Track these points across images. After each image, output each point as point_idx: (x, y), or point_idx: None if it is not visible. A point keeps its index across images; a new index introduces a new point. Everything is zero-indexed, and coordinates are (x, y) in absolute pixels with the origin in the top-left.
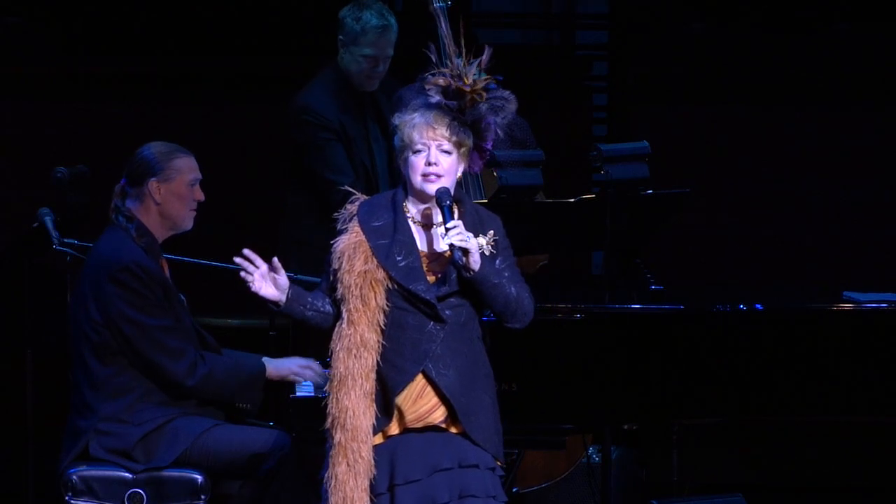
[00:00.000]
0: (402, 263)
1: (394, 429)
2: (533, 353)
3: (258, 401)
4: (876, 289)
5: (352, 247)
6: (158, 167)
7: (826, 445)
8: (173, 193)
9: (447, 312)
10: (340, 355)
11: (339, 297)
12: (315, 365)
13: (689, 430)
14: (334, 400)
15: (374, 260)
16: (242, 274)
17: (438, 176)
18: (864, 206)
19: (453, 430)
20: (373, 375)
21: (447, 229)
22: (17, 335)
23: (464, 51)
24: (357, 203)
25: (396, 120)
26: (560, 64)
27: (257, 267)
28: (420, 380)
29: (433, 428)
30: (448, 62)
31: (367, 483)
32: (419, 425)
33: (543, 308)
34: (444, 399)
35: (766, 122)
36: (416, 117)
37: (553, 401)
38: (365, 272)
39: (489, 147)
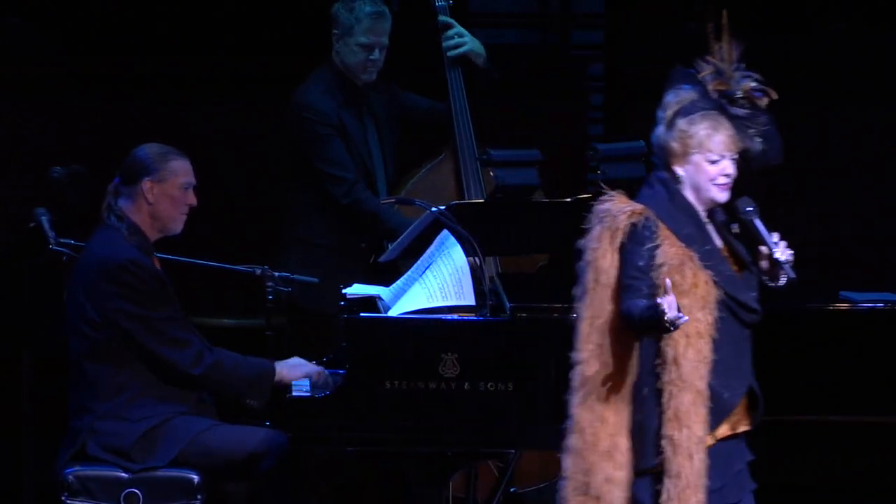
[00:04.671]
0: (726, 273)
1: (707, 440)
2: (529, 352)
3: (265, 398)
4: (871, 288)
5: (680, 258)
6: (153, 167)
7: (809, 445)
8: (166, 194)
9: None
10: (685, 369)
11: None
12: (324, 374)
13: None
14: (675, 428)
15: (705, 270)
16: (663, 309)
17: (728, 185)
18: (859, 205)
19: (747, 427)
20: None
21: (772, 244)
22: (14, 335)
23: (731, 55)
24: (643, 207)
25: (682, 124)
26: (556, 64)
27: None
28: None
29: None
30: (723, 66)
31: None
32: (731, 432)
33: (541, 308)
34: (750, 401)
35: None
36: (718, 127)
37: (550, 400)
38: (705, 283)
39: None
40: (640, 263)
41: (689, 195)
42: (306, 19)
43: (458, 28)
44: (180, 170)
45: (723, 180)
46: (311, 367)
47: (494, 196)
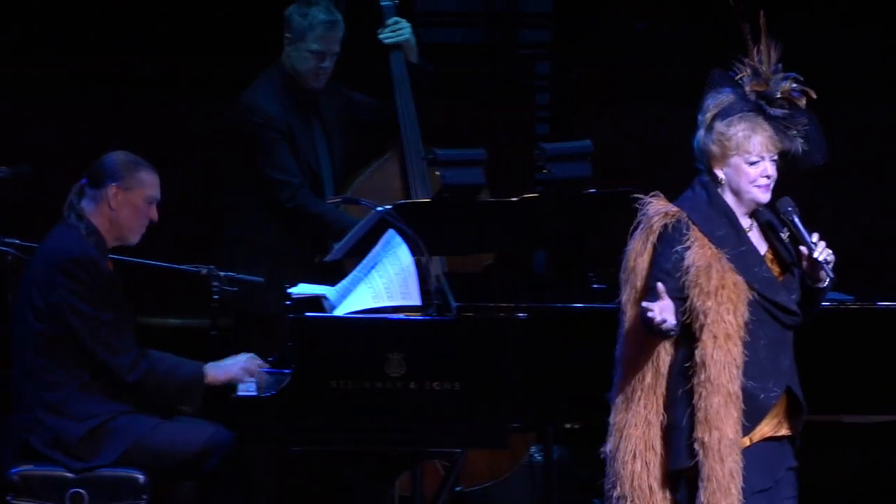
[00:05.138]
0: (760, 275)
1: (745, 441)
2: (476, 351)
3: (198, 404)
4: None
5: (707, 260)
6: (121, 174)
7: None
8: (130, 203)
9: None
10: (711, 371)
11: (698, 312)
12: (256, 362)
13: None
14: (705, 430)
15: (736, 272)
16: (649, 315)
17: (770, 186)
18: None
19: (789, 430)
20: (738, 392)
21: (812, 245)
22: None
23: (770, 56)
24: (677, 209)
25: (720, 126)
26: (503, 63)
27: (654, 309)
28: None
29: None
30: (760, 65)
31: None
32: (772, 434)
33: (487, 307)
34: (791, 404)
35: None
36: (757, 128)
37: (495, 399)
38: (734, 285)
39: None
40: (667, 266)
41: (730, 197)
42: (252, 19)
43: (399, 19)
44: (148, 182)
45: (763, 181)
46: (237, 368)
47: (440, 195)
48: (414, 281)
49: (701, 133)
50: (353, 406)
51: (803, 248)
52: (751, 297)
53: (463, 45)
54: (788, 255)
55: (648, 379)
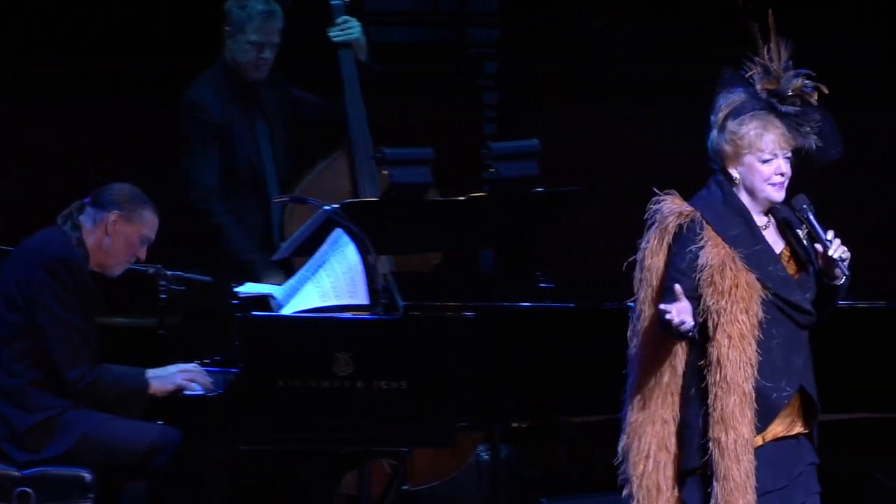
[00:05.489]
0: (774, 274)
1: (757, 441)
2: (423, 350)
3: (140, 412)
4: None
5: (721, 259)
6: (129, 205)
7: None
8: (125, 236)
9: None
10: (728, 370)
11: (712, 311)
12: (198, 372)
13: (578, 427)
14: (721, 430)
15: (749, 271)
16: (667, 317)
17: (784, 184)
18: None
19: (803, 429)
20: (752, 391)
21: (827, 242)
22: None
23: (780, 54)
24: (691, 209)
25: (732, 125)
26: (451, 62)
27: (671, 310)
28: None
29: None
30: (770, 63)
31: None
32: (785, 434)
33: (434, 307)
34: (804, 403)
35: (661, 120)
36: (768, 126)
37: (442, 399)
38: (747, 284)
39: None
40: (682, 266)
41: (745, 197)
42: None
43: (348, 18)
44: (149, 221)
45: (777, 179)
46: (181, 377)
47: (388, 194)
48: (361, 280)
49: (714, 133)
50: (300, 405)
51: (818, 246)
52: (764, 296)
53: (412, 44)
54: (804, 253)
55: (666, 378)
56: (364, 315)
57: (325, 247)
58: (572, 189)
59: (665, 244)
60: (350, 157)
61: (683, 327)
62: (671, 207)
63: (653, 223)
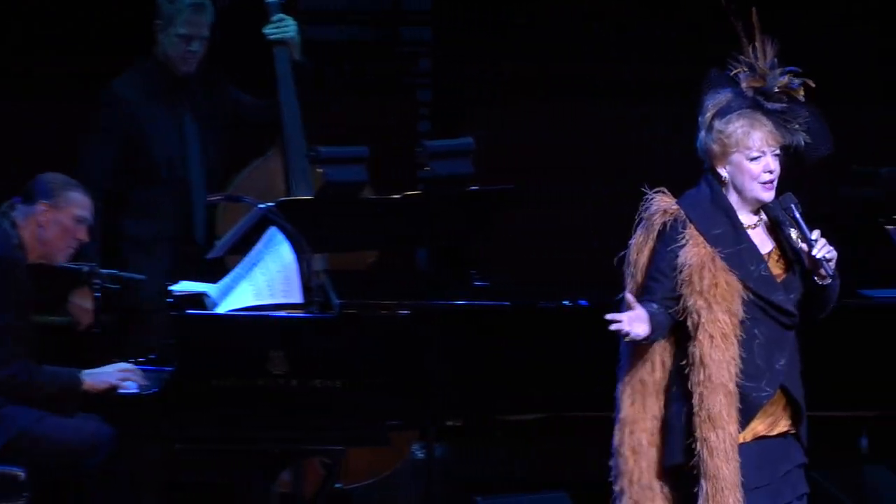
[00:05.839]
0: (756, 274)
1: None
2: (357, 349)
3: (73, 412)
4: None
5: (701, 259)
6: (53, 193)
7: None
8: (58, 223)
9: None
10: (712, 370)
11: (691, 310)
12: (133, 371)
13: (513, 426)
14: (709, 429)
15: (730, 271)
16: (614, 326)
17: (773, 182)
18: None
19: (786, 428)
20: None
21: (812, 242)
22: None
23: (765, 52)
24: (677, 207)
25: (719, 125)
26: (385, 60)
27: (621, 320)
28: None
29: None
30: (756, 61)
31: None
32: (766, 433)
33: (369, 305)
34: (790, 403)
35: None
36: (755, 123)
37: (377, 397)
38: (727, 284)
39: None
40: (662, 265)
41: (734, 196)
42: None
43: (284, 16)
44: (79, 202)
45: (766, 177)
46: (115, 376)
47: (323, 192)
48: (296, 278)
49: (702, 134)
50: (235, 403)
51: (804, 245)
52: (745, 296)
53: (346, 42)
54: (792, 253)
55: (658, 374)
56: (299, 314)
57: (259, 245)
58: (507, 188)
59: (650, 241)
60: (284, 155)
61: (630, 337)
62: (658, 205)
63: (641, 220)
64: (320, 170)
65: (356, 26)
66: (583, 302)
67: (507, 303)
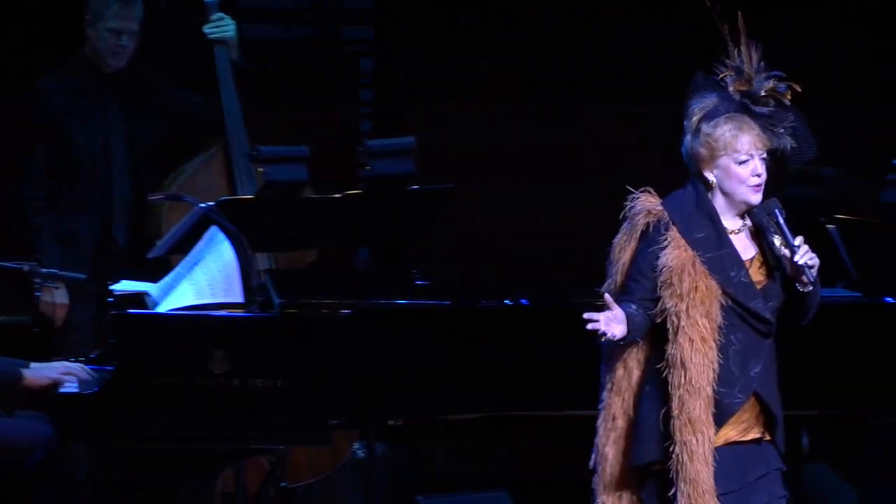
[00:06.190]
0: (736, 280)
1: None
2: (298, 348)
3: (13, 406)
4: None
5: (681, 262)
6: None
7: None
8: None
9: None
10: (692, 373)
11: (671, 312)
12: (78, 368)
13: (454, 425)
14: (690, 433)
15: (710, 276)
16: (590, 326)
17: (761, 186)
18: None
19: (759, 435)
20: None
21: (794, 248)
22: None
23: (752, 56)
24: (661, 208)
25: (707, 128)
26: (327, 60)
27: (598, 320)
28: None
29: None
30: (742, 65)
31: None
32: (738, 439)
33: (310, 304)
34: (764, 410)
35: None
36: (743, 127)
37: (319, 396)
38: (706, 288)
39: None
40: (642, 266)
41: (720, 200)
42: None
43: (223, 15)
44: None
45: (755, 181)
46: (58, 372)
47: (263, 192)
48: (237, 278)
49: (688, 138)
50: (175, 403)
51: (786, 251)
52: (723, 301)
53: (287, 41)
54: (774, 260)
55: (636, 372)
56: (240, 313)
57: (200, 244)
58: (448, 187)
59: (633, 241)
60: (226, 154)
61: (607, 338)
62: (643, 205)
63: (625, 220)
64: (261, 169)
65: (298, 25)
66: (524, 301)
67: (448, 302)
